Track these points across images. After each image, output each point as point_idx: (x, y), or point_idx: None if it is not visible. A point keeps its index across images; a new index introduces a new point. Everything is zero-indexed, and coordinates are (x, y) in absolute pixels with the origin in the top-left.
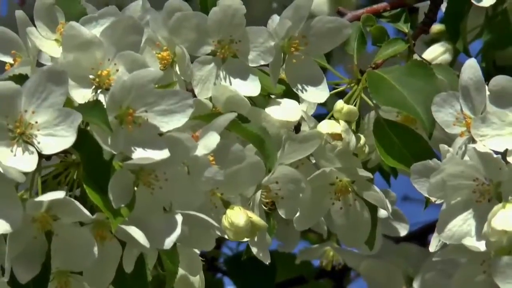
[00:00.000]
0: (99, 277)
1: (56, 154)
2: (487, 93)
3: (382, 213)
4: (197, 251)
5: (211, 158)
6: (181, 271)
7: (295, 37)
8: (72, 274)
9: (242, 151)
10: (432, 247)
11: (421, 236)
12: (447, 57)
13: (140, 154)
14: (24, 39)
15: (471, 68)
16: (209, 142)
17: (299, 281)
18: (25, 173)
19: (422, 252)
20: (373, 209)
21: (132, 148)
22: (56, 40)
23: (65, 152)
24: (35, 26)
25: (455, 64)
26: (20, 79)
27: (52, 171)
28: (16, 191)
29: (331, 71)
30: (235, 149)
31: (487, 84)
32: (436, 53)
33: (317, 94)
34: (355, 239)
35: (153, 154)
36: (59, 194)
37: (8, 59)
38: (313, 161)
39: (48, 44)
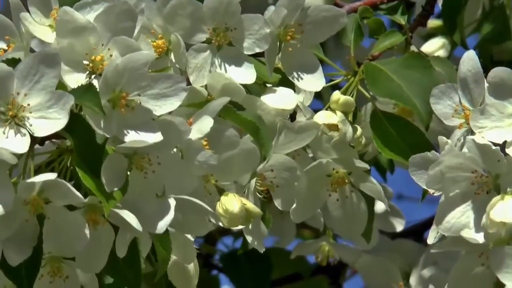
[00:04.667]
0: (92, 262)
1: (50, 140)
2: (486, 85)
3: (379, 208)
4: (191, 239)
5: (205, 143)
6: (175, 259)
7: (291, 26)
8: (64, 259)
9: (236, 136)
10: (430, 240)
11: (417, 232)
12: (445, 50)
13: (133, 137)
14: (17, 25)
15: (470, 60)
16: (202, 125)
17: (295, 278)
18: (18, 157)
19: (418, 248)
20: (370, 201)
21: (125, 132)
22: (50, 25)
23: (59, 137)
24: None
25: (451, 58)
26: (13, 62)
27: (45, 159)
28: (8, 174)
29: (327, 65)
30: (229, 134)
31: (486, 77)
32: (435, 46)
33: (313, 82)
34: (352, 231)
35: (146, 137)
36: (51, 176)
37: (2, 45)
38: (310, 155)
39: (41, 30)
